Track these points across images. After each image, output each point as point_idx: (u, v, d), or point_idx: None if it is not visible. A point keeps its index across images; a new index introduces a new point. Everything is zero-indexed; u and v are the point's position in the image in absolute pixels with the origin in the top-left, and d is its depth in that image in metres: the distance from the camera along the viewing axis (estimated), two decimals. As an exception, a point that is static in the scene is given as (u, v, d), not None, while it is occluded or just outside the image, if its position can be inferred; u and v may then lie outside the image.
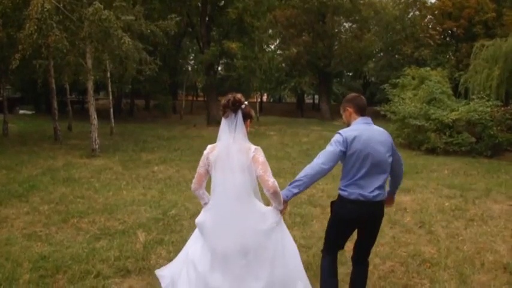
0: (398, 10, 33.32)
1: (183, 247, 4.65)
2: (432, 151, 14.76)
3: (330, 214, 3.43)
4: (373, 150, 3.15)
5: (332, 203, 3.38)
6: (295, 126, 25.27)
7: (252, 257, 2.85)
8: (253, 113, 3.12)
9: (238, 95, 2.97)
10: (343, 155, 3.16)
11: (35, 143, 14.64)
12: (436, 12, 33.29)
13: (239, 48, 22.05)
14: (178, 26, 14.43)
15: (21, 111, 30.01)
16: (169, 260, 4.37)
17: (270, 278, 2.86)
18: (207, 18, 24.78)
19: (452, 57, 30.77)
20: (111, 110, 19.44)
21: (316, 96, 46.29)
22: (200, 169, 3.13)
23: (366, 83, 46.79)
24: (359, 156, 3.13)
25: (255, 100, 36.81)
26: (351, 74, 45.55)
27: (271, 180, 2.84)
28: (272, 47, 33.45)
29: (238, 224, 2.88)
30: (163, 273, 3.30)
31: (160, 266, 4.24)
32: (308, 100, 52.07)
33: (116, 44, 11.77)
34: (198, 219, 3.17)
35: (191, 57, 37.99)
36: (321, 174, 3.14)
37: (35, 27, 10.61)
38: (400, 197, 7.30)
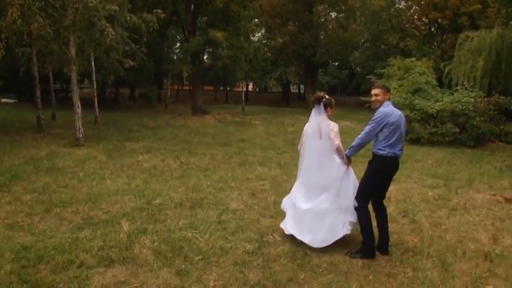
0: (384, 0, 33.36)
1: (167, 236, 4.67)
2: (416, 141, 14.89)
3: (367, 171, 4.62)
4: (402, 123, 4.54)
5: (369, 161, 4.62)
6: (281, 116, 25.27)
7: (329, 187, 4.68)
8: (333, 101, 4.81)
9: (321, 93, 4.84)
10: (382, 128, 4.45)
11: (18, 132, 14.40)
12: (422, 2, 33.37)
13: (225, 37, 21.89)
14: (159, 20, 14.15)
15: (3, 100, 29.35)
16: (154, 249, 4.37)
17: (337, 201, 4.64)
18: (192, 7, 24.53)
19: (438, 48, 30.91)
20: (96, 99, 19.22)
21: (302, 86, 46.30)
22: (302, 138, 4.96)
23: (352, 73, 46.92)
24: (392, 128, 4.44)
25: (241, 89, 36.62)
26: (336, 64, 45.62)
27: (337, 142, 4.64)
28: (258, 35, 33.25)
29: (321, 167, 4.71)
30: (285, 203, 5.18)
31: (144, 255, 4.23)
32: (294, 90, 52.04)
33: (99, 35, 11.60)
34: (299, 169, 5.08)
35: (176, 46, 37.65)
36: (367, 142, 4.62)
37: (18, 13, 10.39)
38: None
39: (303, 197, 4.83)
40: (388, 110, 4.49)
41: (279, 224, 5.13)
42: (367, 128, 4.52)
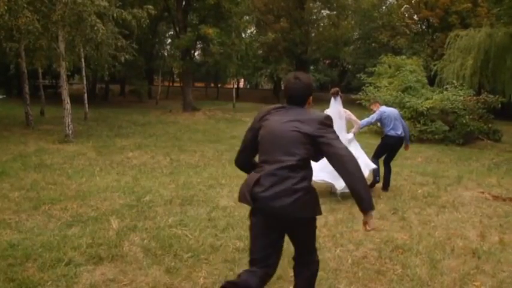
0: (375, -2, 33.48)
1: (156, 233, 4.65)
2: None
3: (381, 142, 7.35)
4: (393, 114, 7.23)
5: (382, 138, 7.33)
6: (272, 113, 25.20)
7: None
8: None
9: (337, 89, 6.70)
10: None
11: (5, 127, 14.24)
12: (412, 1, 33.53)
13: (216, 33, 21.83)
14: (150, 15, 14.07)
15: (-9, 96, 29.08)
16: (143, 246, 4.34)
17: None
18: (183, 3, 24.41)
19: (428, 47, 31.09)
20: (85, 95, 19.07)
21: (293, 83, 46.22)
22: None
23: (343, 71, 47.02)
24: (387, 118, 7.14)
25: (232, 86, 36.57)
26: (327, 61, 45.64)
27: (354, 118, 6.82)
28: (249, 32, 33.18)
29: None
30: None
31: (134, 253, 4.21)
32: (285, 87, 52.00)
33: (89, 31, 11.50)
34: None
35: (167, 43, 37.48)
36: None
37: (5, 7, 10.27)
38: (374, 184, 7.40)
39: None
40: (383, 109, 7.27)
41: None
42: (370, 117, 7.31)
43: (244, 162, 3.04)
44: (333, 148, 2.57)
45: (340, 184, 5.92)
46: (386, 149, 7.25)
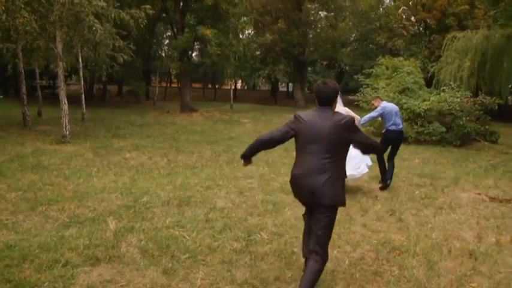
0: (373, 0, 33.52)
1: (154, 234, 4.65)
2: (404, 140, 14.97)
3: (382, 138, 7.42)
4: (393, 109, 7.53)
5: (383, 133, 7.54)
6: (269, 114, 25.29)
7: None
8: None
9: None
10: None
11: (2, 128, 14.21)
12: (410, 3, 33.61)
13: (214, 34, 21.83)
14: (148, 16, 14.07)
15: (-12, 96, 29.02)
16: (140, 248, 4.34)
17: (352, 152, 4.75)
18: (181, 4, 24.41)
19: (425, 48, 31.16)
20: (83, 95, 19.05)
21: (291, 84, 46.33)
22: None
23: (341, 72, 47.08)
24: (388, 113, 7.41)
25: (229, 87, 36.59)
26: (325, 63, 45.69)
27: (353, 115, 5.95)
28: (247, 33, 33.23)
29: None
30: None
31: (131, 254, 4.20)
32: (282, 88, 52.09)
33: (87, 31, 11.50)
34: None
35: (165, 43, 37.46)
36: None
37: (3, 7, 10.25)
38: (371, 185, 7.41)
39: None
40: (384, 104, 7.56)
41: (266, 223, 5.13)
42: (372, 112, 7.69)
43: (268, 144, 3.60)
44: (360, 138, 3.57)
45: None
46: (388, 143, 7.45)
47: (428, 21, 32.33)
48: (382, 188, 7.15)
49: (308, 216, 3.55)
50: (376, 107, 7.70)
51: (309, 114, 3.44)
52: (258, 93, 50.14)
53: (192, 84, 33.82)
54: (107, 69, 16.57)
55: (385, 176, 7.25)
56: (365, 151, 4.24)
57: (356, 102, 17.76)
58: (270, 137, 3.55)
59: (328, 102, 3.41)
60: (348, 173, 6.44)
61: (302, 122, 3.39)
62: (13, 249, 4.18)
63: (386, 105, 7.57)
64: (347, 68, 43.76)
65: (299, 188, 3.43)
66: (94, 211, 5.56)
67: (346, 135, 3.33)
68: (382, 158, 7.19)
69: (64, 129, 12.14)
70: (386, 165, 7.34)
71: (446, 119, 15.48)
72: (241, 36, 28.35)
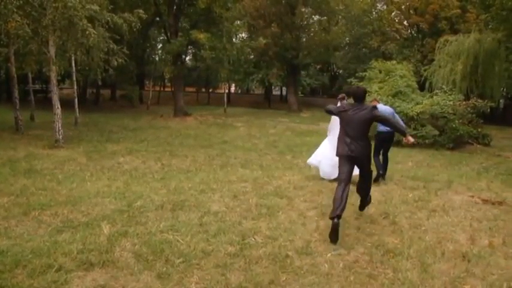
0: (366, 4, 33.69)
1: (148, 239, 4.63)
2: (397, 143, 14.94)
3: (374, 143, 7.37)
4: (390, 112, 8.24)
5: (375, 135, 8.07)
6: (263, 118, 25.31)
7: None
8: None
9: (343, 95, 7.67)
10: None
11: (-5, 133, 14.13)
12: (402, 7, 33.83)
13: (207, 38, 21.85)
14: (141, 20, 14.06)
15: (-20, 101, 28.82)
16: (134, 252, 4.32)
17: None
18: (175, 8, 24.42)
19: (418, 52, 31.35)
20: (76, 99, 18.98)
21: (284, 88, 46.39)
22: (333, 120, 7.85)
23: (334, 76, 47.22)
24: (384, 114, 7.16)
25: (223, 91, 36.59)
26: (318, 66, 45.82)
27: None
28: (240, 36, 33.24)
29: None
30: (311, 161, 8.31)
31: (125, 258, 4.19)
32: (276, 92, 52.14)
33: (80, 35, 11.47)
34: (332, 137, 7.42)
35: (159, 47, 37.42)
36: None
37: (-5, 11, 10.22)
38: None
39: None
40: (379, 107, 7.12)
41: (260, 226, 5.14)
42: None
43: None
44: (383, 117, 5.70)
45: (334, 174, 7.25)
46: (381, 143, 8.31)
47: (420, 25, 32.54)
48: (376, 180, 7.63)
49: None
50: None
51: (349, 105, 5.43)
52: (251, 97, 50.15)
53: (185, 88, 33.81)
54: (101, 73, 16.53)
55: (380, 168, 8.12)
56: (388, 126, 6.13)
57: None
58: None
59: (360, 99, 5.36)
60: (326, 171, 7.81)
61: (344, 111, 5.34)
62: (5, 254, 4.14)
63: (381, 108, 7.81)
64: (340, 71, 43.95)
65: None
66: (87, 216, 5.54)
67: (370, 118, 5.24)
68: (377, 155, 8.14)
69: (57, 134, 12.08)
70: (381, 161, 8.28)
71: (439, 122, 15.56)
72: (234, 40, 28.35)
